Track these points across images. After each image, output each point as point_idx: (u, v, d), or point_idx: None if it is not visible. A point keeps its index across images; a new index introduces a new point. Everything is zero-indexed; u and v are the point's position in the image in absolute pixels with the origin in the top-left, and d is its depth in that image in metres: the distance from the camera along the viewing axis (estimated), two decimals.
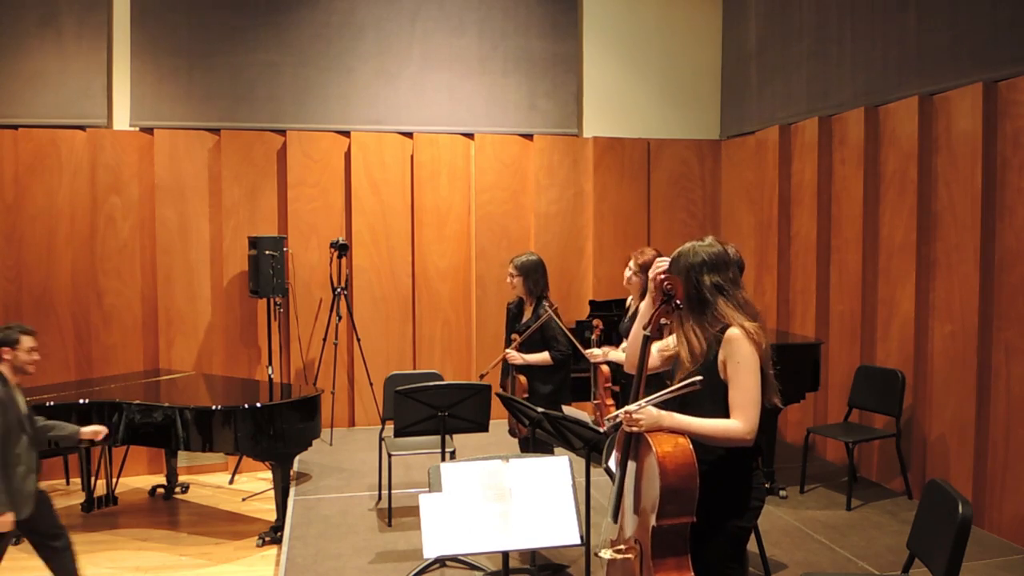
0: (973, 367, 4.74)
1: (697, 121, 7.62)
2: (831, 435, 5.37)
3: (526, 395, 4.59)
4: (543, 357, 4.59)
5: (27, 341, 3.91)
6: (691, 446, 2.49)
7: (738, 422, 2.51)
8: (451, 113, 7.09)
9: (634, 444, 2.64)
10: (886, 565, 4.15)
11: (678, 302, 2.58)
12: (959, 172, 4.88)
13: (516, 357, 4.63)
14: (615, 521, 2.73)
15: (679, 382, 2.57)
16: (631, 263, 4.26)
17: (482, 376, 4.86)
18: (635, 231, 7.38)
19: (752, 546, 2.99)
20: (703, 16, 7.57)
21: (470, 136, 7.16)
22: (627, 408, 2.56)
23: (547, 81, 7.25)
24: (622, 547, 2.69)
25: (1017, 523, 4.48)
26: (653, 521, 2.48)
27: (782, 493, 5.20)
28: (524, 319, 4.71)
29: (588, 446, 3.68)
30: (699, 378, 2.48)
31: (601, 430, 3.68)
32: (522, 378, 4.64)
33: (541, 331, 4.56)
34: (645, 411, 2.53)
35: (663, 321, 2.60)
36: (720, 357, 2.57)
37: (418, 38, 7.01)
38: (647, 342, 2.62)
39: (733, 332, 2.55)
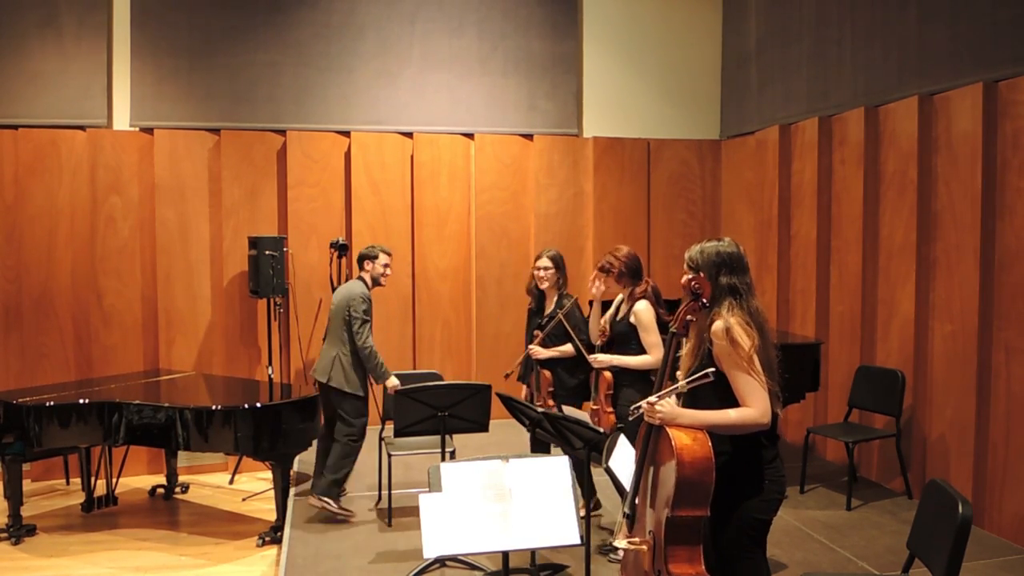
0: (973, 367, 4.74)
1: (697, 121, 7.62)
2: (831, 435, 5.37)
3: (551, 389, 4.64)
4: (566, 349, 4.62)
5: (383, 258, 5.13)
6: (709, 441, 2.55)
7: (749, 408, 2.60)
8: (451, 113, 7.09)
9: (653, 437, 2.69)
10: (886, 565, 4.15)
11: (704, 301, 2.67)
12: (959, 172, 4.88)
13: (540, 352, 4.66)
14: (632, 512, 2.75)
15: (686, 377, 2.67)
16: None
17: (507, 376, 4.94)
18: (635, 231, 7.38)
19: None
20: (703, 16, 7.57)
21: (470, 136, 7.16)
22: (649, 399, 2.64)
23: (547, 81, 7.25)
24: (636, 539, 2.72)
25: (1017, 523, 4.48)
26: (668, 512, 2.53)
27: None
28: (546, 312, 4.75)
29: (588, 446, 3.68)
30: (712, 370, 2.56)
31: (602, 431, 3.68)
32: (546, 373, 4.67)
33: (563, 325, 4.60)
34: (665, 404, 2.62)
35: (689, 318, 2.68)
36: (714, 352, 2.68)
37: (418, 38, 7.01)
38: (673, 339, 2.71)
39: (717, 327, 2.66)
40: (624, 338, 4.23)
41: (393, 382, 4.95)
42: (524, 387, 4.94)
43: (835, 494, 5.26)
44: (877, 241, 5.58)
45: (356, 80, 6.92)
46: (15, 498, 4.95)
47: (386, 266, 5.14)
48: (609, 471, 3.44)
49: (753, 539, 2.74)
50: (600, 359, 4.29)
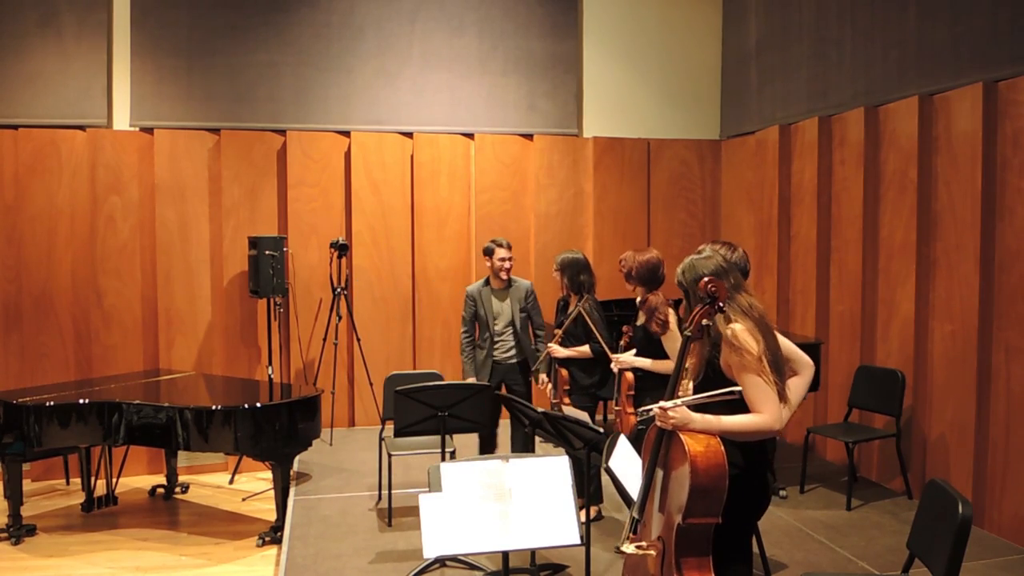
0: (973, 367, 4.74)
1: (697, 121, 7.62)
2: (831, 435, 5.37)
3: (567, 387, 4.71)
4: (583, 350, 4.74)
5: (499, 252, 5.24)
6: (722, 447, 2.55)
7: (762, 413, 2.60)
8: (451, 113, 7.09)
9: (665, 442, 2.68)
10: (886, 565, 4.15)
11: (720, 304, 2.65)
12: (959, 172, 4.88)
13: (558, 351, 4.78)
14: (640, 516, 2.75)
15: (692, 380, 2.72)
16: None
17: (535, 371, 5.10)
18: (635, 231, 7.38)
19: (752, 546, 3.02)
20: (703, 16, 7.58)
21: (470, 136, 7.16)
22: (662, 404, 2.63)
23: (547, 81, 7.25)
24: (643, 544, 2.71)
25: (1017, 523, 4.48)
26: (679, 519, 2.52)
27: (782, 493, 5.20)
28: (569, 312, 4.86)
29: (588, 446, 3.68)
30: (738, 388, 2.58)
31: (605, 432, 3.68)
32: (564, 372, 4.79)
33: (583, 324, 4.69)
34: (680, 410, 2.60)
35: (705, 322, 2.65)
36: (722, 360, 2.69)
37: (418, 38, 7.01)
38: (688, 342, 2.69)
39: (723, 336, 2.67)
40: (646, 342, 4.20)
41: (470, 380, 5.20)
42: (547, 379, 5.10)
43: (835, 494, 5.26)
44: (877, 241, 5.58)
45: (356, 80, 6.92)
46: (15, 498, 4.95)
47: (503, 259, 5.23)
48: (609, 471, 3.44)
49: (746, 543, 2.76)
50: (622, 359, 4.23)
